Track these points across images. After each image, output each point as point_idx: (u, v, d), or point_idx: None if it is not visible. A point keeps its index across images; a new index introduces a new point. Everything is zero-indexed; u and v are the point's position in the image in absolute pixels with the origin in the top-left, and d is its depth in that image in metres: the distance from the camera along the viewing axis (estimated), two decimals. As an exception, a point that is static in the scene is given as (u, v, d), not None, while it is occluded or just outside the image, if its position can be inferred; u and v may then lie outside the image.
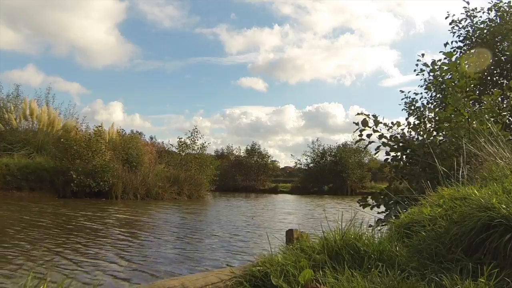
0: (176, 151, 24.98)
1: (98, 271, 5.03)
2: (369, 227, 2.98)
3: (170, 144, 28.72)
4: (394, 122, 5.13)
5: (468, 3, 8.14)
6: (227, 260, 5.88)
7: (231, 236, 8.33)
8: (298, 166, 38.78)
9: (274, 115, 70.79)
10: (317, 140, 39.58)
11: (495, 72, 7.88)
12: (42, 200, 14.53)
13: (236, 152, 41.25)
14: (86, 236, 7.63)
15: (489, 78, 7.84)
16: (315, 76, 75.08)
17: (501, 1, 7.91)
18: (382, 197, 4.95)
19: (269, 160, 40.20)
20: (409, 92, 7.50)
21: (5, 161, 16.11)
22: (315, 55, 70.30)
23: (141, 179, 17.90)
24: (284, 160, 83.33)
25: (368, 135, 4.98)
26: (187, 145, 24.31)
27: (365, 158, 36.42)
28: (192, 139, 24.49)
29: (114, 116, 61.21)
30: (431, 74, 5.89)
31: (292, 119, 67.85)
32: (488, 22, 7.93)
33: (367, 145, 5.11)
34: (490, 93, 5.98)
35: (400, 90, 7.75)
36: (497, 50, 7.61)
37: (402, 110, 7.53)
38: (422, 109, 7.13)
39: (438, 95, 7.33)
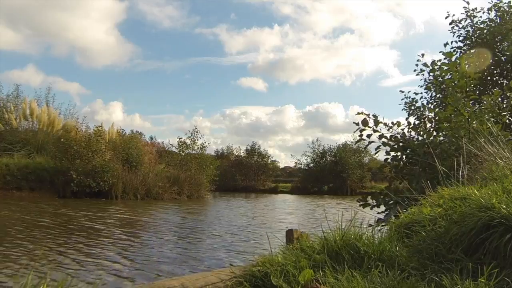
0: (176, 151, 24.97)
1: (101, 270, 5.04)
2: (369, 226, 2.98)
3: (170, 144, 28.73)
4: (394, 122, 5.13)
5: (468, 3, 8.14)
6: (230, 259, 5.89)
7: (233, 236, 8.34)
8: (298, 166, 38.86)
9: (274, 115, 70.87)
10: (317, 140, 39.60)
11: (495, 72, 7.88)
12: (42, 200, 14.53)
13: (236, 152, 41.34)
14: (88, 236, 7.64)
15: (489, 78, 7.84)
16: (315, 76, 75.21)
17: (501, 1, 7.91)
18: (382, 197, 4.95)
19: (269, 160, 40.26)
20: (409, 92, 7.52)
21: (5, 161, 16.10)
22: (315, 55, 70.40)
23: (141, 179, 17.89)
24: (284, 160, 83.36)
25: (368, 135, 4.98)
26: (187, 145, 24.29)
27: (365, 158, 36.46)
28: (192, 139, 24.49)
29: (114, 116, 61.31)
30: (431, 74, 5.89)
31: (292, 119, 67.94)
32: (488, 22, 7.93)
33: (367, 145, 5.12)
34: (490, 93, 5.98)
35: (400, 90, 7.77)
36: (497, 50, 7.61)
37: (402, 110, 7.54)
38: (422, 109, 7.13)
39: (438, 95, 7.34)
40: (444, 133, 5.04)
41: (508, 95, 6.04)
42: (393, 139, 5.07)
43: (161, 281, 2.10)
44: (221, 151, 42.20)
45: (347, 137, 54.28)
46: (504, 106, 5.92)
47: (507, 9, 7.85)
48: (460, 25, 8.30)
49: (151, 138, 39.18)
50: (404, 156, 5.12)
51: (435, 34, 59.18)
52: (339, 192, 33.04)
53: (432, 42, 71.17)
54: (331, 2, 72.48)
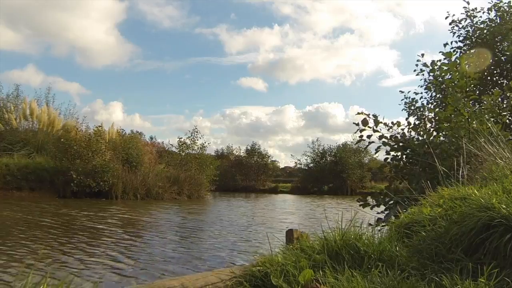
0: (176, 151, 24.97)
1: (105, 270, 5.06)
2: (369, 225, 2.98)
3: (170, 144, 28.75)
4: (394, 122, 5.13)
5: (468, 3, 8.14)
6: (233, 259, 5.90)
7: (235, 236, 8.35)
8: (298, 166, 38.85)
9: (274, 115, 70.86)
10: (317, 140, 39.54)
11: (495, 72, 7.88)
12: (42, 200, 14.53)
13: (236, 152, 41.33)
14: (90, 236, 7.66)
15: (489, 78, 7.84)
16: (315, 76, 75.16)
17: (501, 1, 7.91)
18: (382, 197, 4.95)
19: (269, 160, 40.25)
20: (409, 92, 7.50)
21: (5, 161, 16.10)
22: (315, 55, 70.38)
23: (141, 179, 17.90)
24: (284, 160, 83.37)
25: (368, 136, 4.98)
26: (187, 145, 24.29)
27: (365, 158, 36.47)
28: (192, 139, 24.49)
29: (114, 116, 61.29)
30: (431, 74, 5.89)
31: (292, 119, 67.92)
32: (488, 22, 7.93)
33: (367, 146, 5.12)
34: (490, 93, 5.98)
35: (400, 91, 7.77)
36: (497, 50, 7.60)
37: (402, 110, 7.53)
38: (422, 109, 7.13)
39: (438, 95, 7.34)
40: (444, 133, 5.04)
41: (508, 95, 6.04)
42: (393, 139, 5.07)
43: (161, 281, 2.10)
44: (221, 151, 42.24)
45: (347, 137, 54.37)
46: (504, 106, 5.92)
47: (507, 9, 7.85)
48: (460, 25, 8.30)
49: (151, 138, 39.21)
50: (404, 156, 5.12)
51: (435, 34, 59.22)
52: (339, 192, 33.04)
53: (432, 42, 71.25)
54: (331, 2, 72.56)
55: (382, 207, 4.91)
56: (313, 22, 71.18)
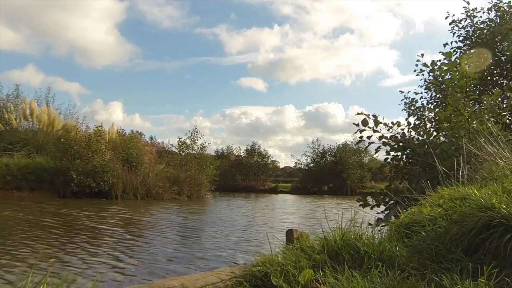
0: (176, 151, 24.97)
1: (107, 269, 5.06)
2: (369, 225, 2.98)
3: (170, 144, 28.71)
4: (394, 122, 5.14)
5: (468, 3, 8.14)
6: (236, 259, 5.90)
7: (236, 236, 8.35)
8: (298, 166, 38.85)
9: (274, 115, 70.85)
10: (317, 140, 39.57)
11: (495, 72, 7.88)
12: (43, 200, 14.53)
13: (236, 152, 41.32)
14: (92, 236, 7.67)
15: (489, 78, 7.84)
16: (315, 76, 75.20)
17: (501, 1, 7.91)
18: (382, 197, 4.95)
19: (269, 160, 40.25)
20: (408, 92, 7.50)
21: (5, 161, 16.10)
22: (315, 55, 70.39)
23: (141, 179, 17.89)
24: (284, 160, 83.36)
25: (368, 137, 4.98)
26: (187, 145, 24.30)
27: (365, 158, 36.46)
28: (192, 139, 24.50)
29: (114, 116, 61.30)
30: (431, 74, 5.89)
31: (292, 119, 67.91)
32: (488, 22, 7.93)
33: (367, 147, 5.12)
34: (490, 93, 5.98)
35: (400, 91, 7.76)
36: (497, 50, 7.60)
37: (402, 110, 7.53)
38: (422, 109, 7.12)
39: (438, 95, 7.34)
40: (444, 133, 5.04)
41: (508, 95, 6.04)
42: (393, 139, 5.07)
43: (161, 281, 2.10)
44: (221, 151, 42.23)
45: (347, 137, 54.36)
46: (504, 106, 5.92)
47: (507, 9, 7.85)
48: (460, 25, 8.31)
49: (151, 138, 39.13)
50: (404, 156, 5.12)
51: (435, 34, 59.22)
52: (339, 192, 33.04)
53: (432, 42, 71.29)
54: (331, 2, 72.57)
55: (382, 207, 4.91)
56: (313, 22, 71.27)
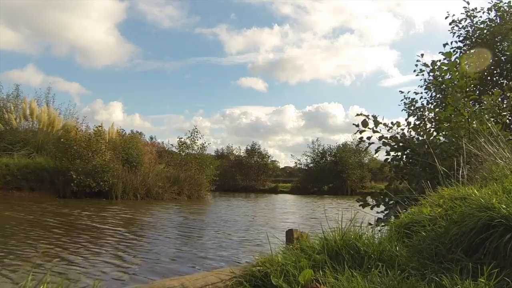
0: (176, 151, 24.97)
1: (111, 268, 5.07)
2: (369, 225, 2.98)
3: (170, 144, 28.73)
4: (394, 122, 5.13)
5: (468, 3, 8.14)
6: (238, 259, 5.90)
7: (237, 235, 8.35)
8: (298, 166, 38.86)
9: (274, 115, 70.87)
10: (317, 140, 39.58)
11: (495, 72, 7.88)
12: (43, 200, 14.53)
13: (236, 152, 41.33)
14: (94, 235, 7.68)
15: (489, 78, 7.84)
16: (315, 76, 75.23)
17: (501, 1, 7.91)
18: (382, 197, 4.95)
19: (269, 160, 40.26)
20: (408, 92, 7.50)
21: (5, 161, 16.10)
22: (315, 55, 70.39)
23: (141, 179, 17.89)
24: (284, 160, 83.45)
25: (368, 137, 4.98)
26: (187, 145, 24.30)
27: (365, 158, 36.46)
28: (192, 139, 24.50)
29: (114, 116, 61.31)
30: (431, 74, 5.89)
31: (292, 119, 67.92)
32: (488, 22, 7.93)
33: (367, 147, 5.12)
34: (490, 93, 5.98)
35: (400, 91, 7.76)
36: (497, 50, 7.61)
37: (402, 110, 7.53)
38: (422, 109, 7.13)
39: (438, 95, 7.34)
40: (444, 133, 5.04)
41: (508, 95, 6.04)
42: (393, 139, 5.07)
43: (161, 281, 2.10)
44: (221, 151, 42.23)
45: (347, 137, 54.39)
46: (504, 106, 5.92)
47: (507, 9, 7.85)
48: (460, 25, 8.31)
49: (151, 138, 39.14)
50: (404, 156, 5.12)
51: (435, 34, 59.20)
52: (339, 192, 33.04)
53: (432, 42, 71.28)
54: (331, 2, 72.57)
55: (382, 207, 4.91)
56: (313, 22, 71.28)
